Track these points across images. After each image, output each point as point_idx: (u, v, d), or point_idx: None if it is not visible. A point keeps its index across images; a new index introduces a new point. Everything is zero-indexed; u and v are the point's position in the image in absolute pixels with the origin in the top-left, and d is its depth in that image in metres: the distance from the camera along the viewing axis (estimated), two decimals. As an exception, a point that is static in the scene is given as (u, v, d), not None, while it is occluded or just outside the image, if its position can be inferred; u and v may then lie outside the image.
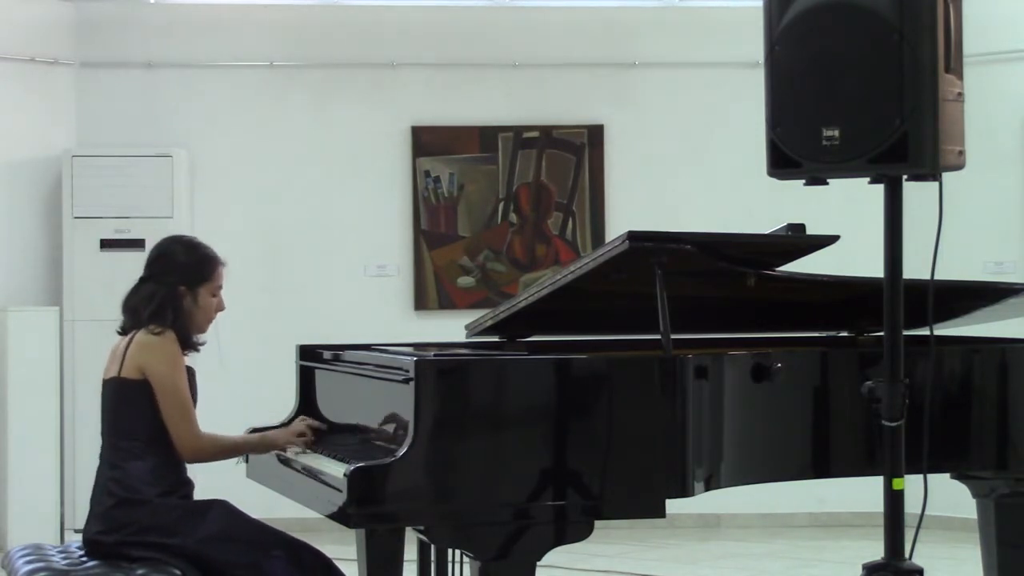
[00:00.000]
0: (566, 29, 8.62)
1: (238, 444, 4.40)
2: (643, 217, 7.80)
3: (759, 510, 8.33)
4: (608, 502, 3.75)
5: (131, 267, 4.57)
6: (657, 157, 8.60)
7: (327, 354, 4.65)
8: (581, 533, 3.75)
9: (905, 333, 3.67)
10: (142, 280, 4.36)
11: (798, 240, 4.25)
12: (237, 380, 7.94)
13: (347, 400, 4.50)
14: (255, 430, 4.56)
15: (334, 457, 4.09)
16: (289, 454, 4.34)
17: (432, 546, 4.55)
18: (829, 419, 4.27)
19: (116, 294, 4.43)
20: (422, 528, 3.88)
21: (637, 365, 3.85)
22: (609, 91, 8.63)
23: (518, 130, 8.53)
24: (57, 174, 8.13)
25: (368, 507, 3.64)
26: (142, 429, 4.21)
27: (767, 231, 4.30)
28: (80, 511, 5.84)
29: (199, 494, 4.29)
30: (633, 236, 3.87)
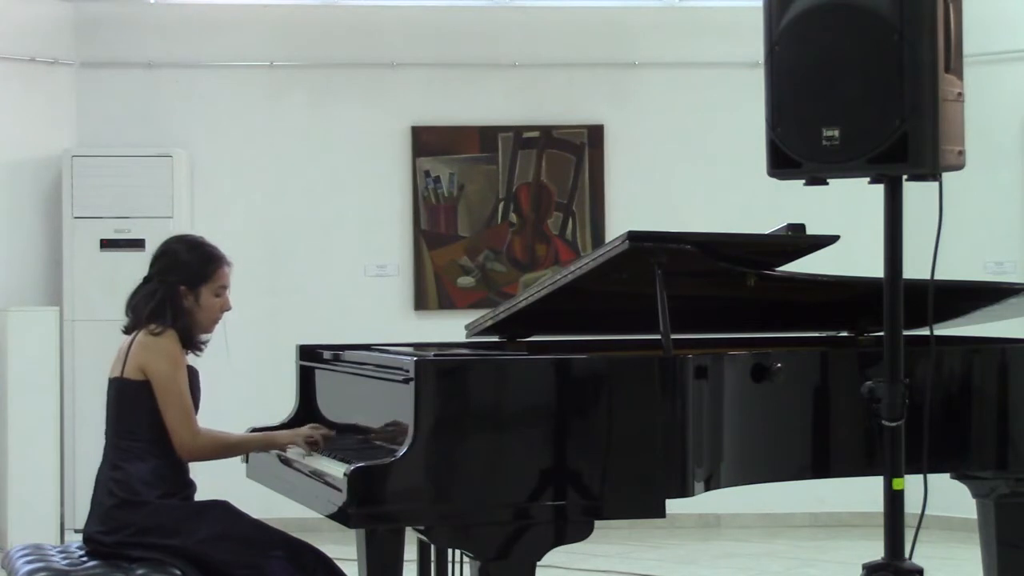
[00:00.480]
0: (566, 29, 8.61)
1: (238, 443, 4.39)
2: (643, 217, 7.79)
3: (759, 510, 8.32)
4: (608, 502, 3.75)
5: (131, 267, 4.57)
6: (657, 157, 8.59)
7: (327, 354, 4.65)
8: (581, 533, 3.75)
9: (905, 333, 3.67)
10: (145, 279, 4.36)
11: (798, 240, 4.24)
12: (237, 380, 7.92)
13: (347, 400, 4.50)
14: (255, 430, 4.57)
15: (334, 457, 4.09)
16: (290, 454, 4.34)
17: (432, 546, 4.55)
18: (829, 419, 4.26)
19: (116, 294, 4.43)
20: (422, 528, 3.88)
21: (637, 365, 3.84)
22: (609, 91, 8.62)
23: (518, 130, 8.53)
24: (57, 174, 8.13)
25: (368, 507, 3.64)
26: (144, 430, 4.20)
27: (767, 231, 4.29)
28: (80, 511, 5.85)
29: (200, 495, 4.29)
30: (633, 236, 3.86)
